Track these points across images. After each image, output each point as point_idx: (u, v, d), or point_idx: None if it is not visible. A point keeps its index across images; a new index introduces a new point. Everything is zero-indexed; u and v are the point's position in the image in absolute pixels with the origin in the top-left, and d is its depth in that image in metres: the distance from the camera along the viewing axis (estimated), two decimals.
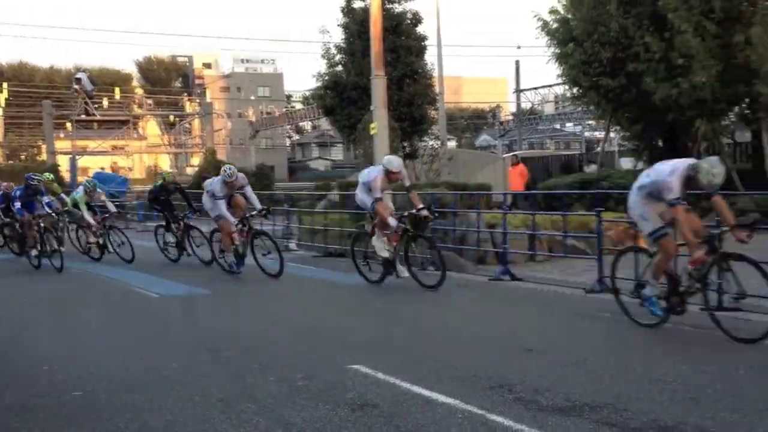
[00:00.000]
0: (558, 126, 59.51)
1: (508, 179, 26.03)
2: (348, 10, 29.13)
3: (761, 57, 19.54)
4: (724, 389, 6.14)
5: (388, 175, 11.98)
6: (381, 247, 12.23)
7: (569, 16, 24.09)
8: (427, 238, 12.80)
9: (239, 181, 13.93)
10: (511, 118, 56.80)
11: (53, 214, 16.36)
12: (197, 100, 64.69)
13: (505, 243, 13.38)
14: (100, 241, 16.84)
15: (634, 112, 24.23)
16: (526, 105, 50.19)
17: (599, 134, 47.33)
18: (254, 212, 14.42)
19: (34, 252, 16.15)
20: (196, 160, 56.29)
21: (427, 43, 30.22)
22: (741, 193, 18.98)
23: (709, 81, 20.09)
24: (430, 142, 30.97)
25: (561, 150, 63.44)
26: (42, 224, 15.78)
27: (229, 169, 14.00)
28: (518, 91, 48.44)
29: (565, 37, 23.85)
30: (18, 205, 16.27)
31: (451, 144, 54.11)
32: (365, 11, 24.90)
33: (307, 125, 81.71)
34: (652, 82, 21.41)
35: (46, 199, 16.32)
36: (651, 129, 25.02)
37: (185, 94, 73.10)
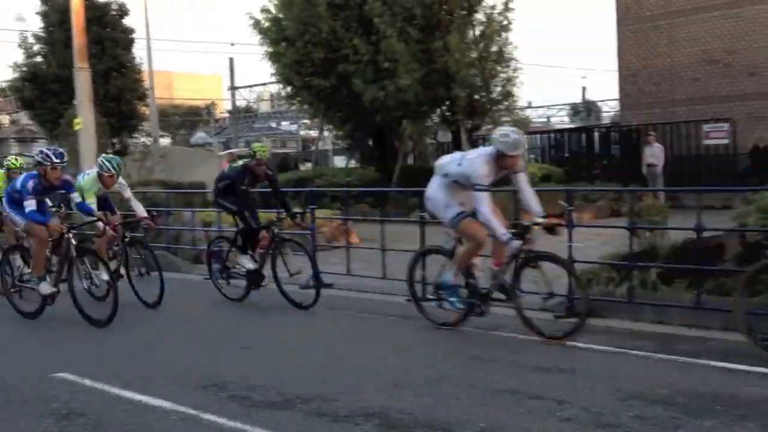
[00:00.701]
0: (274, 124, 60.08)
1: None
2: None
3: (458, 63, 21.04)
4: (426, 375, 6.53)
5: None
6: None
7: (281, 15, 24.40)
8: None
9: (518, 163, 7.99)
10: (227, 115, 56.53)
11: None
12: None
13: (220, 241, 13.26)
14: (112, 265, 10.08)
15: (345, 112, 25.06)
16: (241, 103, 50.27)
17: (314, 133, 48.46)
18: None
19: (45, 285, 9.39)
20: None
21: (135, 36, 29.39)
22: None
23: (412, 84, 21.24)
24: (142, 139, 30.12)
25: (278, 148, 64.15)
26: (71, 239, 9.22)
27: (513, 133, 7.84)
28: (233, 88, 48.34)
29: (278, 37, 24.13)
30: (31, 203, 9.09)
31: (165, 141, 52.84)
32: None
33: (4, 119, 75.76)
34: (361, 83, 22.24)
35: (76, 196, 9.66)
36: (361, 129, 26.03)
37: None
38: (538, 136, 28.77)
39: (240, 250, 10.47)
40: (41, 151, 9.43)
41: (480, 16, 22.53)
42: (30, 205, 9.03)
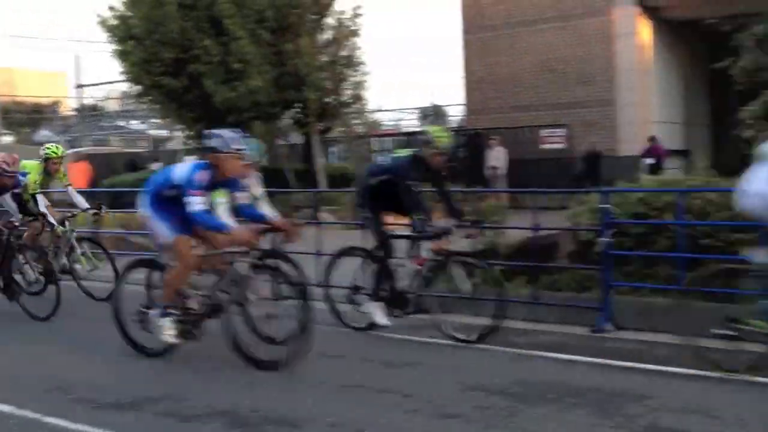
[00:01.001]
0: (123, 123, 58.50)
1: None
2: None
3: (308, 66, 21.28)
4: (275, 373, 6.59)
5: None
6: None
7: (129, 13, 23.80)
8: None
9: None
10: (74, 113, 54.60)
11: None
12: None
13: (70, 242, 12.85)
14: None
15: (196, 112, 24.71)
16: (89, 101, 48.60)
17: (165, 132, 47.51)
18: None
19: (167, 324, 7.01)
20: None
21: None
22: (295, 190, 20.38)
23: (264, 86, 21.26)
24: None
25: (128, 148, 62.39)
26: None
27: None
28: (80, 86, 46.80)
29: (125, 35, 23.53)
30: (199, 202, 6.65)
31: (8, 139, 50.69)
32: None
33: None
34: (212, 84, 22.03)
35: (245, 196, 7.48)
36: (213, 129, 25.77)
37: None
38: (388, 138, 29.35)
39: (371, 292, 7.99)
40: (217, 134, 6.98)
41: (331, 20, 22.87)
42: (199, 203, 6.59)
